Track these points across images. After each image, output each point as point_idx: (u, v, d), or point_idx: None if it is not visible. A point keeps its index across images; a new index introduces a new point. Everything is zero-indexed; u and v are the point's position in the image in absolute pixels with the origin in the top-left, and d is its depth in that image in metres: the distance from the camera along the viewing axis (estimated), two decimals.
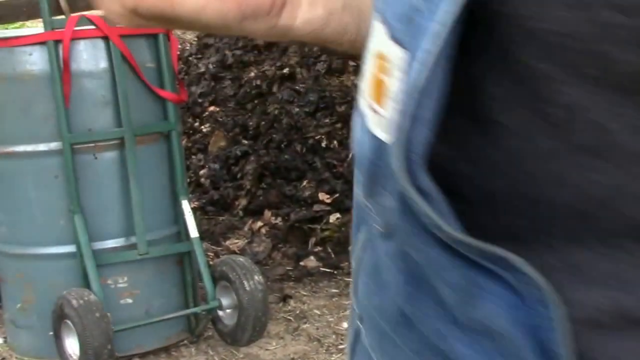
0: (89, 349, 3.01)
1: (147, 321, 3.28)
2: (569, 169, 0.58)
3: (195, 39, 6.04)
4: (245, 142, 4.49)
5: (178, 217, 3.39)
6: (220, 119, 4.72)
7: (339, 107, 4.43)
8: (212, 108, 4.86)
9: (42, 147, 3.28)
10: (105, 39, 3.16)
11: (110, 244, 3.25)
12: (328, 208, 4.02)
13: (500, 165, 0.60)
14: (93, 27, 3.15)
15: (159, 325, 3.35)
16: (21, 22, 7.06)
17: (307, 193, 4.10)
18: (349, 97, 4.44)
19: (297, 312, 3.64)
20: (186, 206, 3.32)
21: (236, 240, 3.99)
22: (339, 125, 4.37)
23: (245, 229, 4.05)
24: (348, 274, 3.75)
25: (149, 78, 3.29)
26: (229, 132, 4.59)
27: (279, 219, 4.02)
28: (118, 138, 3.22)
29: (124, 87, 3.19)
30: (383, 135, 0.62)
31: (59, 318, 3.13)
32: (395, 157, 0.57)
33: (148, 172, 3.29)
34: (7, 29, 6.87)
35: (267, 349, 3.40)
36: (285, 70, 4.77)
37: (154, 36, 3.31)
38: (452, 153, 0.62)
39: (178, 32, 7.41)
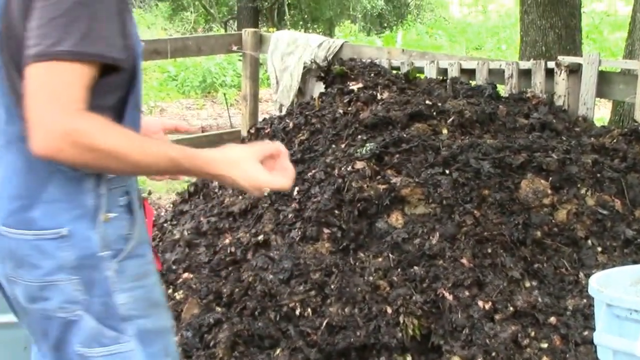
0: None
1: None
2: None
3: (171, 205, 6.14)
4: (219, 309, 4.50)
5: None
6: (194, 286, 4.74)
7: (313, 274, 4.47)
8: (186, 275, 4.90)
9: (13, 316, 3.29)
10: None
11: None
12: None
13: None
14: None
15: None
16: None
17: None
18: (323, 265, 4.50)
19: None
20: None
21: None
22: (312, 292, 4.40)
23: None
24: None
25: None
26: (203, 299, 4.61)
27: None
28: None
29: None
30: None
31: None
32: None
33: None
34: None
35: None
36: (260, 237, 4.84)
37: None
38: None
39: (154, 198, 7.52)
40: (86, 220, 2.16)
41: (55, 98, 1.95)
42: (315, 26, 21.63)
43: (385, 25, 22.79)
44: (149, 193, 7.46)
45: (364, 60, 6.80)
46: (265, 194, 2.41)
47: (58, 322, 2.20)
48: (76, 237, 2.14)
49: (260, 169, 2.24)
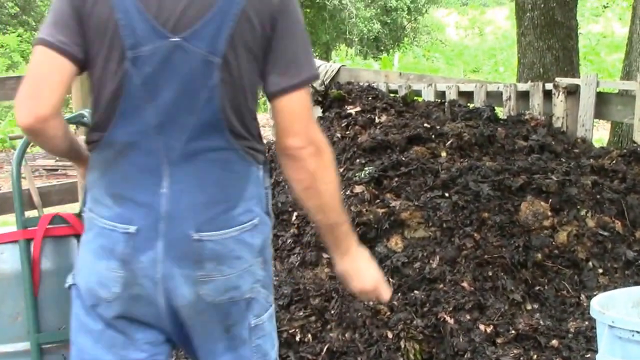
0: None
1: None
2: None
3: None
4: None
5: None
6: None
7: (313, 299, 4.47)
8: None
9: (9, 347, 3.27)
10: (77, 236, 3.22)
11: None
12: None
13: None
14: (66, 225, 3.22)
15: None
16: None
17: None
18: (323, 290, 4.50)
19: None
20: None
21: None
22: (312, 318, 4.39)
23: None
24: None
25: None
26: None
27: None
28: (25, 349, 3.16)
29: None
30: None
31: None
32: None
33: None
34: None
35: None
36: None
37: None
38: None
39: None
40: (261, 208, 2.43)
41: (312, 115, 2.45)
42: (313, 50, 21.70)
43: (382, 48, 22.89)
44: None
45: (361, 84, 6.81)
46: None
47: (242, 304, 2.45)
48: (262, 224, 2.42)
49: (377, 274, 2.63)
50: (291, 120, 2.36)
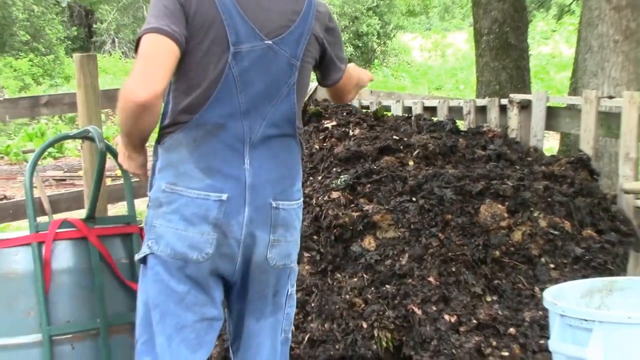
0: None
1: None
2: None
3: None
4: None
5: None
6: None
7: (295, 294, 4.47)
8: None
9: (22, 339, 3.28)
10: (84, 239, 3.22)
11: None
12: None
13: None
14: (73, 229, 3.22)
15: None
16: (6, 223, 7.13)
17: None
18: (304, 285, 4.50)
19: None
20: None
21: None
22: (295, 310, 4.39)
23: None
24: None
25: (123, 272, 3.34)
26: None
27: None
28: (94, 329, 3.22)
29: (101, 282, 3.23)
30: None
31: None
32: None
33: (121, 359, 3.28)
34: None
35: None
36: None
37: (129, 235, 3.38)
38: None
39: None
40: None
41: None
42: None
43: None
44: None
45: None
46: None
47: (288, 271, 2.66)
48: (301, 201, 2.72)
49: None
50: (346, 89, 2.96)
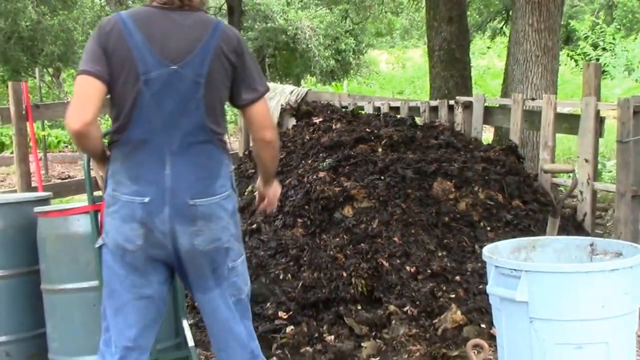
0: None
1: None
2: None
3: None
4: None
5: (179, 332, 3.36)
6: None
7: (291, 250, 4.48)
8: None
9: (84, 284, 3.30)
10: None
11: None
12: (285, 322, 4.02)
13: None
14: None
15: None
16: (70, 196, 7.11)
17: (270, 312, 4.10)
18: (298, 244, 4.51)
19: None
20: (185, 324, 3.31)
21: None
22: (291, 263, 4.40)
23: None
24: None
25: None
26: None
27: None
28: None
29: None
30: None
31: None
32: None
33: None
34: (61, 202, 6.91)
35: None
36: (254, 226, 4.84)
37: None
38: None
39: None
40: (230, 184, 2.52)
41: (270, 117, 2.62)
42: (288, 79, 21.62)
43: (336, 77, 22.82)
44: None
45: (322, 102, 6.82)
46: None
47: (223, 251, 2.49)
48: (232, 195, 2.52)
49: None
50: (264, 119, 2.54)
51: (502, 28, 18.90)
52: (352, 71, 23.93)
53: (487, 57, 23.60)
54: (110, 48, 2.39)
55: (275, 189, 2.78)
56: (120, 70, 2.39)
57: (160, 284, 2.54)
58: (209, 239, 2.45)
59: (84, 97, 2.37)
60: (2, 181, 10.46)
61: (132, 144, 2.42)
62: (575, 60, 20.37)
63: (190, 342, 3.22)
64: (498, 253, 3.05)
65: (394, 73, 25.43)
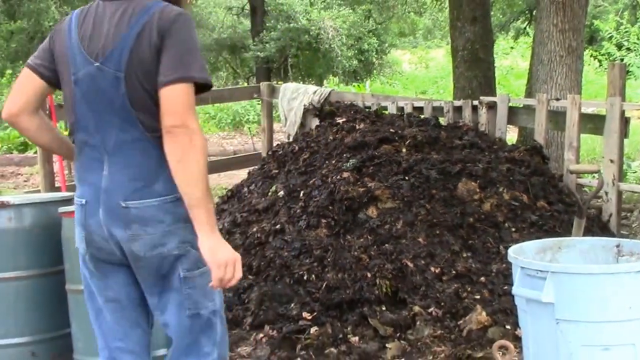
0: None
1: None
2: None
3: (215, 206, 6.11)
4: (250, 277, 4.50)
5: None
6: None
7: (315, 251, 4.47)
8: None
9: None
10: None
11: (161, 352, 3.18)
12: (309, 323, 4.02)
13: None
14: None
15: None
16: None
17: (294, 312, 4.10)
18: (322, 244, 4.50)
19: None
20: None
21: (245, 348, 3.96)
22: (315, 264, 4.39)
23: (251, 339, 4.02)
24: None
25: None
26: None
27: (275, 331, 4.00)
28: None
29: None
30: None
31: None
32: None
33: None
34: None
35: None
36: (278, 226, 4.84)
37: None
38: None
39: None
40: None
41: (192, 108, 2.18)
42: (310, 79, 21.64)
43: (358, 78, 22.81)
44: None
45: (345, 102, 6.80)
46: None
47: (171, 258, 2.25)
48: (166, 198, 2.23)
49: (226, 250, 2.17)
50: (171, 104, 2.15)
51: (525, 28, 18.77)
52: (374, 71, 23.90)
53: (511, 57, 23.44)
54: (56, 49, 2.36)
55: (215, 247, 2.15)
56: (62, 71, 2.35)
57: (123, 286, 2.39)
58: (149, 245, 2.24)
59: (15, 89, 2.37)
60: (25, 181, 10.57)
61: (78, 146, 2.37)
62: (599, 61, 20.19)
63: None
64: (523, 254, 3.03)
65: (417, 73, 25.35)
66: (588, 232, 4.46)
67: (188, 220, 2.18)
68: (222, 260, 2.14)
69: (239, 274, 2.19)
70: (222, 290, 2.40)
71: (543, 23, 6.59)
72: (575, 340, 2.72)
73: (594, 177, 5.69)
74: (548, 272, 2.75)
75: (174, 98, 2.15)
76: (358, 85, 19.50)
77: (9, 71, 18.02)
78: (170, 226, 2.23)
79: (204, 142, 2.17)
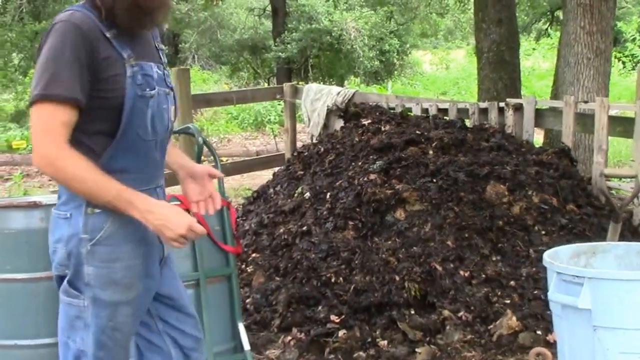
0: None
1: None
2: None
3: (241, 206, 6.11)
4: (278, 278, 4.48)
5: (235, 335, 3.36)
6: (260, 263, 4.72)
7: (343, 253, 4.44)
8: (253, 255, 4.88)
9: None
10: (187, 210, 3.19)
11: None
12: (337, 326, 3.98)
13: None
14: (179, 202, 3.20)
15: None
16: None
17: (322, 315, 4.07)
18: (349, 247, 4.47)
19: None
20: (241, 327, 3.30)
21: (273, 350, 3.94)
22: (343, 266, 4.37)
23: (279, 342, 4.00)
24: None
25: (216, 237, 3.34)
26: (266, 272, 4.59)
27: (303, 334, 3.98)
28: (195, 279, 3.22)
29: (200, 244, 3.23)
30: None
31: None
32: None
33: (215, 303, 3.28)
34: None
35: None
36: (304, 228, 4.81)
37: (220, 208, 3.35)
38: None
39: (232, 200, 7.46)
40: (80, 210, 2.13)
41: (44, 131, 2.01)
42: (331, 80, 21.61)
43: (379, 78, 22.75)
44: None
45: (370, 103, 6.75)
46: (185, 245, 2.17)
47: (56, 275, 2.22)
48: (73, 219, 2.13)
49: (175, 212, 2.13)
50: (32, 130, 2.03)
51: (547, 29, 18.61)
52: (395, 72, 23.83)
53: (532, 59, 23.30)
54: None
55: (158, 227, 2.11)
56: None
57: None
58: (50, 253, 2.24)
59: None
60: (50, 180, 10.62)
61: None
62: (623, 62, 20.01)
63: (246, 346, 3.21)
64: (558, 259, 2.99)
65: (438, 74, 25.26)
66: (620, 236, 4.39)
67: (68, 244, 2.14)
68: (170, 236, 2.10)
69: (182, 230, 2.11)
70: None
71: (570, 25, 6.52)
72: (613, 347, 2.67)
73: (623, 180, 5.60)
74: (585, 277, 2.70)
75: (32, 128, 2.03)
76: (379, 88, 19.44)
77: (32, 71, 18.13)
78: (54, 243, 2.20)
79: (71, 160, 2.02)
